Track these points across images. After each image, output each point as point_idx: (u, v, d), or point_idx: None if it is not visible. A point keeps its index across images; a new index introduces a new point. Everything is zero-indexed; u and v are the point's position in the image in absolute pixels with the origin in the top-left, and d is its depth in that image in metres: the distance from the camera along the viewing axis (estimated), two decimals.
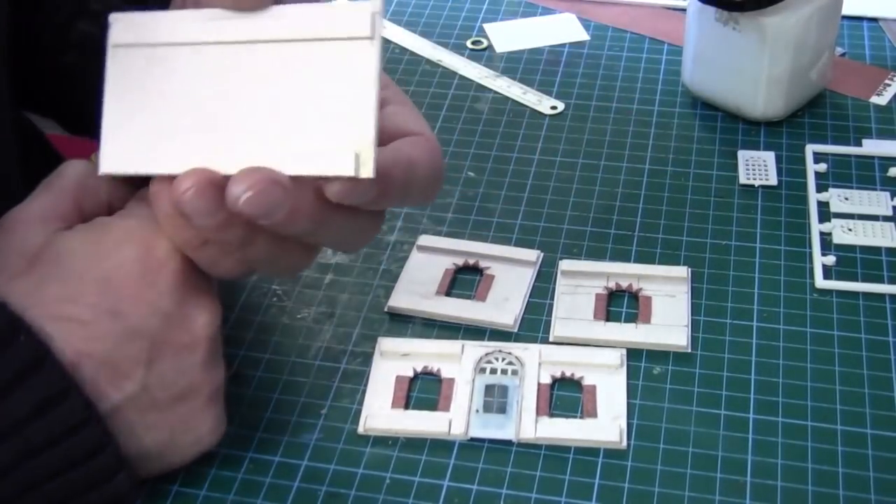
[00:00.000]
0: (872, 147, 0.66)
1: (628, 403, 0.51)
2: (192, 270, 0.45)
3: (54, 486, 0.43)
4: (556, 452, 0.49)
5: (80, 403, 0.42)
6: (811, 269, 0.58)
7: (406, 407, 0.51)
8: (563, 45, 0.77)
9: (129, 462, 0.44)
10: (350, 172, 0.40)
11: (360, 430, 0.50)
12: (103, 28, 0.46)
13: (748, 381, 0.52)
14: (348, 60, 0.41)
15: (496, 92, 0.72)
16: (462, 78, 0.74)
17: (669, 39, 0.76)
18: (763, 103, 0.67)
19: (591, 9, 0.80)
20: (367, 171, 0.40)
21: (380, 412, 0.51)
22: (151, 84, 0.43)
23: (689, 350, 0.53)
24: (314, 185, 0.41)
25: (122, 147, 0.43)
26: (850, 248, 0.59)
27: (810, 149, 0.66)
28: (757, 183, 0.64)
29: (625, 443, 0.49)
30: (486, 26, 0.79)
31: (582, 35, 0.77)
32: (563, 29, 0.78)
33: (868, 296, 0.56)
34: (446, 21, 0.80)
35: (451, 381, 0.52)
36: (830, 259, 0.58)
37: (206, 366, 0.45)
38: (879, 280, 0.57)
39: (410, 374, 0.53)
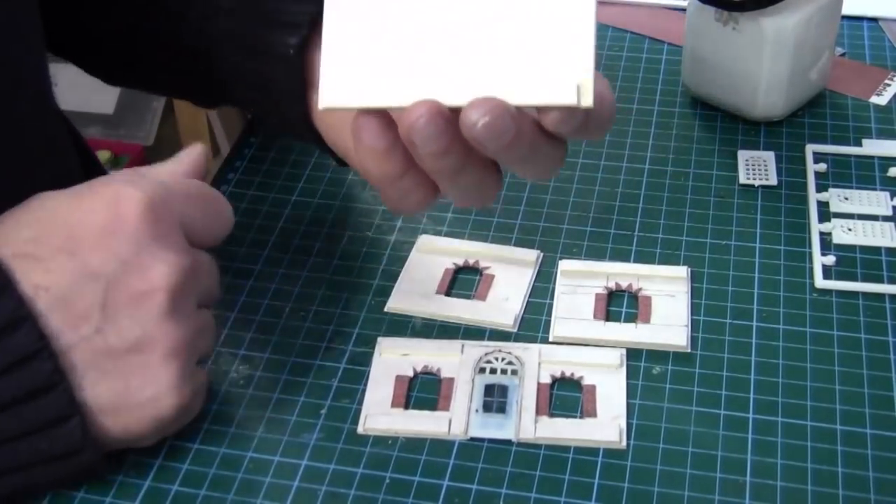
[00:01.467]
0: (872, 147, 0.66)
1: (628, 403, 0.51)
2: (158, 226, 0.46)
3: (2, 421, 0.43)
4: (555, 452, 0.49)
5: (34, 335, 0.43)
6: (811, 269, 0.58)
7: (406, 407, 0.51)
8: None
9: (82, 409, 0.45)
10: (572, 102, 0.43)
11: (360, 429, 0.50)
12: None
13: (748, 380, 0.52)
14: None
15: None
16: None
17: (669, 39, 0.76)
18: (763, 103, 0.67)
19: None
20: (588, 101, 0.43)
21: (380, 412, 0.51)
22: (371, 14, 0.44)
23: (689, 350, 0.53)
24: (530, 115, 0.44)
25: (342, 80, 0.44)
26: (850, 247, 0.59)
27: (810, 149, 0.66)
28: (757, 183, 0.64)
29: (624, 443, 0.49)
30: None
31: None
32: None
33: (868, 296, 0.56)
34: None
35: (451, 380, 0.52)
36: (830, 259, 0.58)
37: (165, 318, 0.46)
38: (879, 280, 0.57)
39: (410, 373, 0.53)
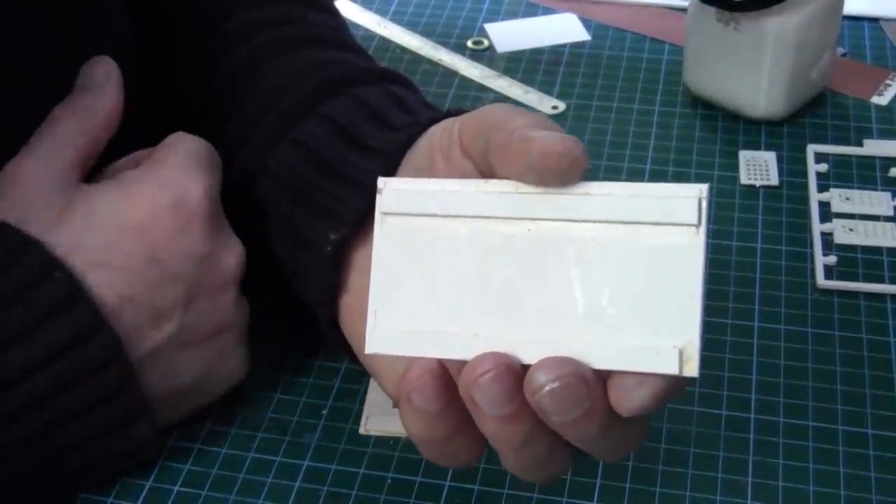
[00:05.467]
0: (873, 147, 0.66)
1: None
2: (218, 214, 0.47)
3: (80, 424, 0.44)
4: None
5: (109, 342, 0.43)
6: (812, 269, 0.58)
7: None
8: (564, 45, 0.77)
9: (151, 409, 0.46)
10: (673, 370, 0.35)
11: (362, 430, 0.50)
12: (304, 157, 0.47)
13: (749, 381, 0.52)
14: (667, 248, 0.36)
15: (497, 92, 0.72)
16: (463, 78, 0.74)
17: (670, 39, 0.76)
18: (764, 103, 0.67)
19: (592, 9, 0.80)
20: (692, 370, 0.35)
21: (381, 412, 0.51)
22: (426, 258, 0.39)
23: None
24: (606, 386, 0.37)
25: (392, 325, 0.39)
26: (852, 248, 0.59)
27: (811, 149, 0.66)
28: (758, 183, 0.64)
29: None
30: (487, 26, 0.79)
31: (583, 35, 0.77)
32: (564, 29, 0.78)
33: (869, 296, 0.56)
34: (447, 21, 0.80)
35: None
36: (831, 259, 0.58)
37: (237, 304, 0.48)
38: (880, 280, 0.57)
39: None
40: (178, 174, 0.46)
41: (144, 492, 0.48)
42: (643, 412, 0.36)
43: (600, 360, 0.36)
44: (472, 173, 0.41)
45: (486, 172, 0.40)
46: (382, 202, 0.40)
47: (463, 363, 0.37)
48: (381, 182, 0.40)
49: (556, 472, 0.40)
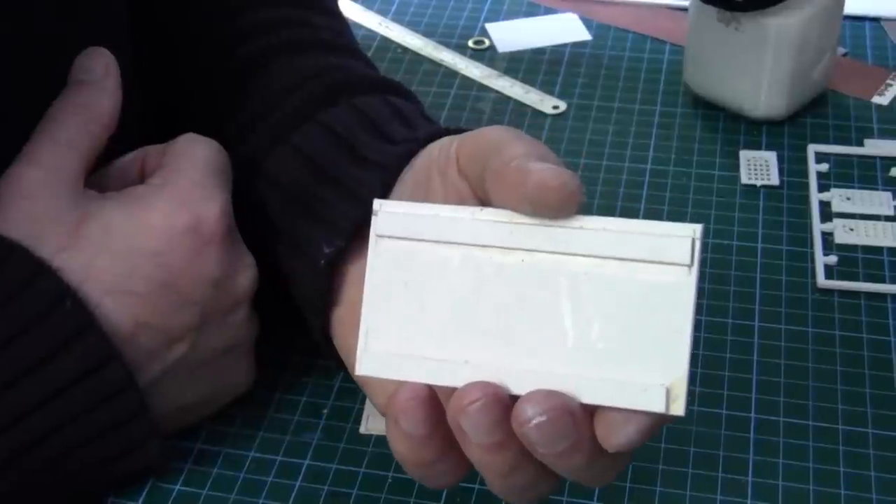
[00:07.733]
0: (874, 147, 0.66)
1: None
2: (233, 234, 0.47)
3: (90, 450, 0.44)
4: None
5: (120, 372, 0.43)
6: (813, 269, 0.58)
7: None
8: (565, 45, 0.77)
9: (159, 431, 0.45)
10: (660, 409, 0.36)
11: (363, 429, 0.50)
12: (301, 164, 0.47)
13: (749, 380, 0.52)
14: (659, 286, 0.36)
15: (498, 92, 0.72)
16: (464, 78, 0.74)
17: (671, 39, 0.76)
18: (765, 103, 0.67)
19: (594, 8, 0.80)
20: (679, 409, 0.36)
21: None
22: (418, 283, 0.39)
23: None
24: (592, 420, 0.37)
25: (383, 348, 0.39)
26: (852, 247, 0.59)
27: (812, 149, 0.66)
28: (759, 183, 0.64)
29: None
30: (489, 26, 0.79)
31: (584, 35, 0.77)
32: (565, 29, 0.78)
33: (870, 296, 0.56)
34: (448, 21, 0.80)
35: None
36: (832, 259, 0.58)
37: (247, 321, 0.48)
38: (881, 280, 0.57)
39: None
40: (194, 192, 0.45)
41: (145, 491, 0.48)
42: (629, 448, 0.36)
43: (588, 395, 0.36)
44: (468, 194, 0.41)
45: (482, 194, 0.40)
46: (377, 225, 0.39)
47: (452, 389, 0.38)
48: (377, 204, 0.40)
49: (541, 496, 0.40)
